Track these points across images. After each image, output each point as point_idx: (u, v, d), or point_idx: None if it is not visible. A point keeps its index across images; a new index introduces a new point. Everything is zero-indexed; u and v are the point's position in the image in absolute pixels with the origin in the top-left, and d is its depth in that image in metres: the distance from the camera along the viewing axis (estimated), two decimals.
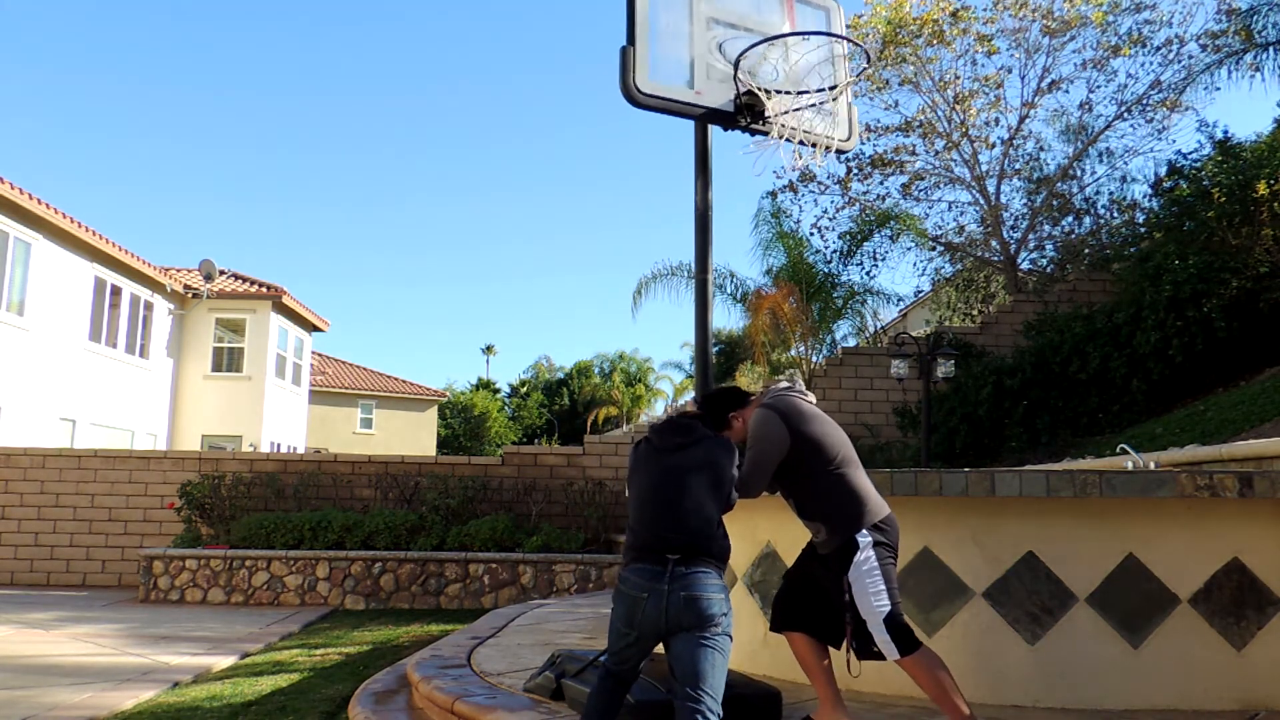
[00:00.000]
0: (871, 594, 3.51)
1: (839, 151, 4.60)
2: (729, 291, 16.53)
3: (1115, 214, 17.36)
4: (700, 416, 3.59)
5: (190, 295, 21.89)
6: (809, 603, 3.77)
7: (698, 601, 3.12)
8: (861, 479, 3.67)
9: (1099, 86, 16.63)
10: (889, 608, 3.49)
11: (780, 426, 3.64)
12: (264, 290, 22.87)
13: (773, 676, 4.57)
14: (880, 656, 3.52)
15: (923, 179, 17.80)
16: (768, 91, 4.17)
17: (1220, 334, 12.05)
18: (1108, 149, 17.26)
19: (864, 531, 3.55)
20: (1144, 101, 16.30)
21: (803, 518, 3.72)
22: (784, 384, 3.87)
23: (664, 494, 3.31)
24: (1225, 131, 14.23)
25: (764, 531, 4.91)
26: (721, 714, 3.12)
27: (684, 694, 3.10)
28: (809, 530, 3.76)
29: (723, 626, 3.18)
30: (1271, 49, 13.33)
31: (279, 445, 23.13)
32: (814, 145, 4.30)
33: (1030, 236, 17.61)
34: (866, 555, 3.53)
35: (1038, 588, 4.18)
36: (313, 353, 29.31)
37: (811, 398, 3.86)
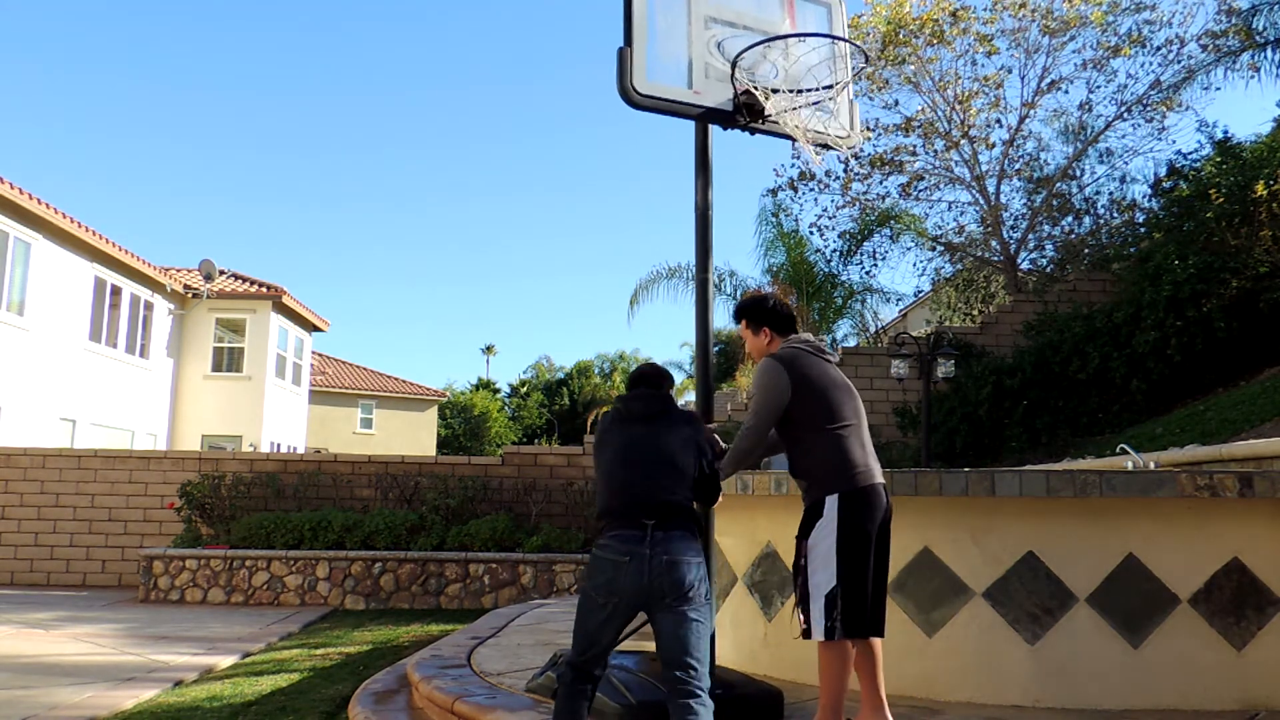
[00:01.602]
0: (821, 566, 3.41)
1: (841, 148, 4.58)
2: (728, 291, 16.54)
3: (1115, 214, 17.36)
4: (663, 388, 3.55)
5: (190, 295, 21.88)
6: None
7: (678, 566, 3.07)
8: (857, 447, 3.55)
9: (1099, 87, 16.64)
10: (832, 585, 3.38)
11: (783, 375, 3.57)
12: (264, 290, 22.86)
13: (773, 676, 4.57)
14: (808, 634, 3.42)
15: (923, 179, 17.80)
16: (767, 90, 4.16)
17: (1220, 334, 12.06)
18: (1108, 149, 17.28)
19: (835, 496, 3.44)
20: (1144, 101, 16.30)
21: (792, 474, 3.69)
22: (805, 336, 3.83)
23: (638, 457, 3.27)
24: (1225, 132, 14.25)
25: (764, 531, 4.91)
26: (709, 684, 3.09)
27: (672, 674, 3.05)
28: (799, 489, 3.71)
29: (702, 594, 3.13)
30: (1270, 48, 13.33)
31: (279, 445, 23.13)
32: (816, 144, 4.29)
33: (1030, 236, 17.62)
34: (829, 522, 3.42)
35: (1038, 588, 4.18)
36: (313, 353, 29.31)
37: (832, 357, 3.78)
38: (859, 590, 3.41)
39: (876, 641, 3.52)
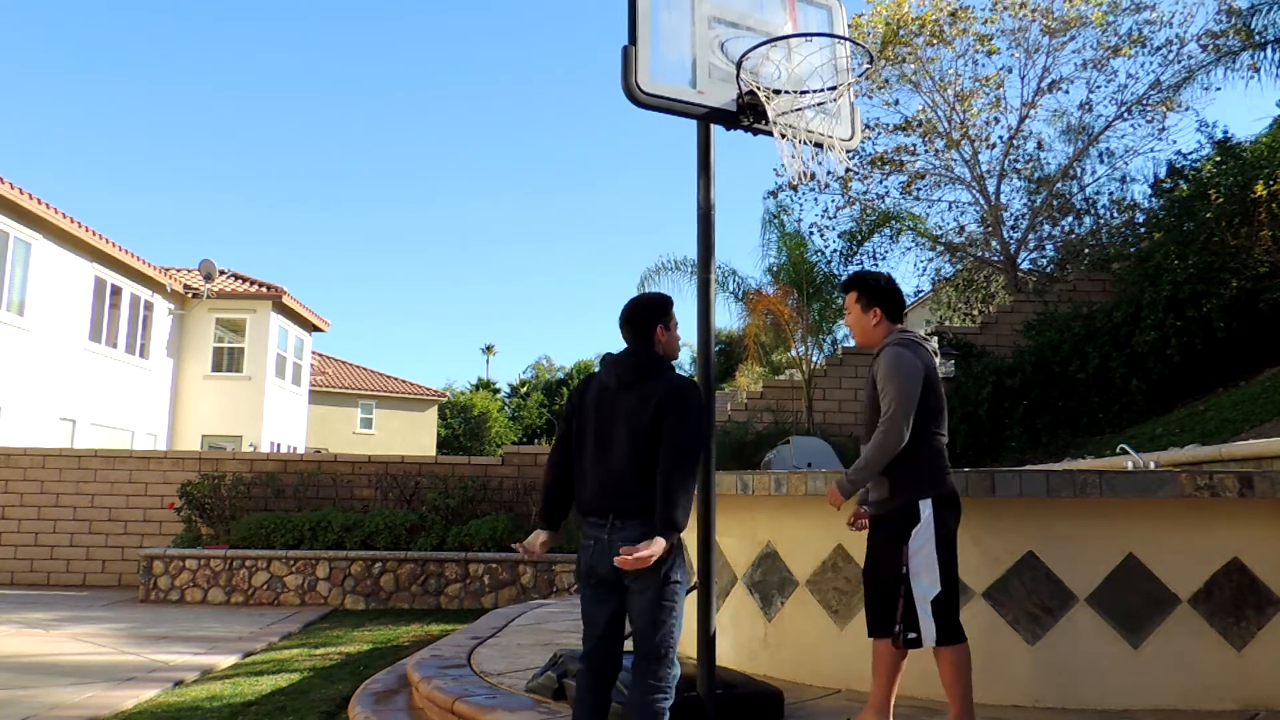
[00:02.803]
0: (925, 571, 3.38)
1: (842, 151, 4.58)
2: (730, 290, 16.51)
3: (1115, 214, 17.37)
4: (650, 337, 3.27)
5: (190, 295, 21.88)
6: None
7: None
8: (944, 451, 3.56)
9: (1099, 87, 16.65)
10: (938, 590, 3.37)
11: (920, 365, 3.51)
12: (264, 290, 22.86)
13: (772, 676, 4.57)
14: (918, 643, 3.38)
15: (923, 178, 17.80)
16: (770, 92, 4.15)
17: (1220, 334, 12.06)
18: (1108, 149, 17.27)
19: (930, 500, 3.42)
20: (1144, 101, 16.30)
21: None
22: (919, 332, 3.84)
23: (603, 441, 3.19)
24: (1225, 132, 14.26)
25: (764, 532, 4.91)
26: (671, 658, 3.13)
27: (636, 662, 3.14)
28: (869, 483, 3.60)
29: (663, 574, 3.08)
30: (1270, 48, 13.32)
31: (279, 445, 23.12)
32: (817, 145, 4.29)
33: (1030, 236, 17.62)
34: (927, 526, 3.39)
35: (1038, 588, 4.18)
36: (313, 353, 29.29)
37: (938, 361, 3.77)
38: (955, 594, 3.43)
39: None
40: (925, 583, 3.37)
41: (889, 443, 3.41)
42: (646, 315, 3.30)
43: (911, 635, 3.38)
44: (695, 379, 3.56)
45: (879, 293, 3.71)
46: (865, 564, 3.72)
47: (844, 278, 3.95)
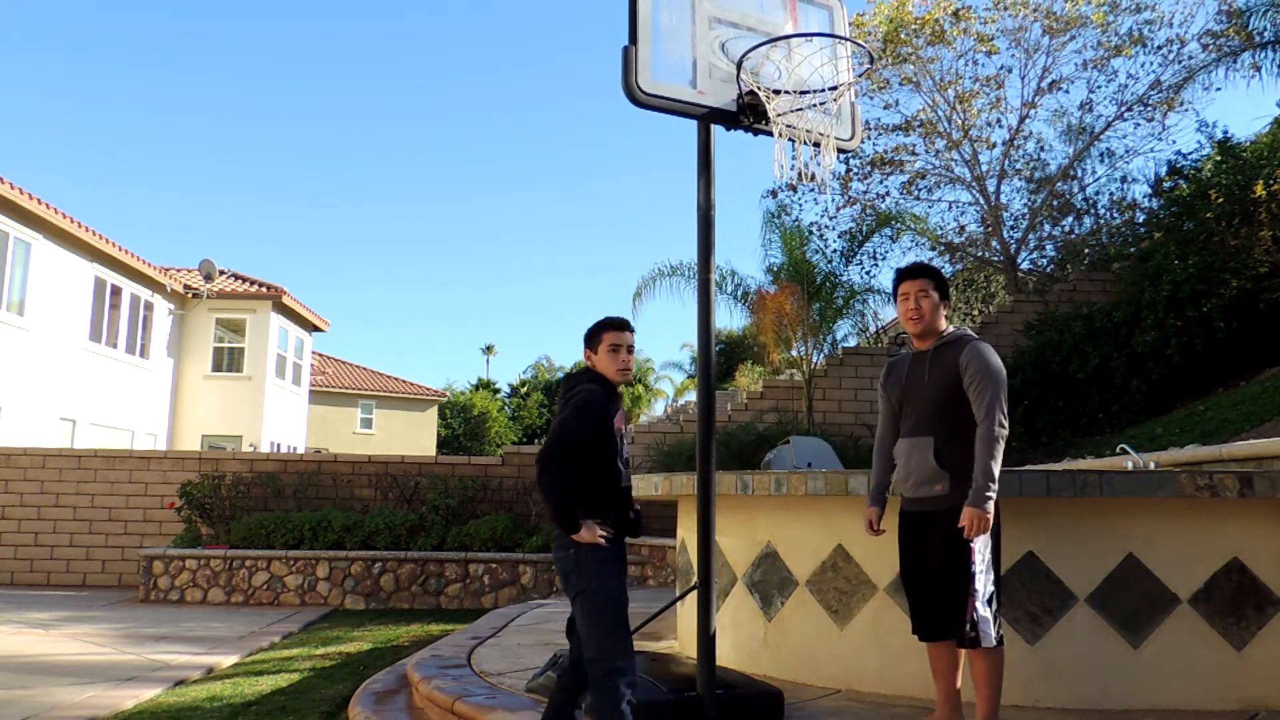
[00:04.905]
0: (985, 570, 3.40)
1: (842, 151, 4.58)
2: (729, 291, 16.49)
3: (1115, 214, 17.35)
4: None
5: (190, 295, 21.88)
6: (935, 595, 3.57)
7: (556, 562, 3.39)
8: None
9: (1099, 87, 16.63)
10: (992, 589, 3.41)
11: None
12: (264, 290, 22.86)
13: (772, 676, 4.57)
14: (975, 643, 3.37)
15: (923, 178, 17.79)
16: (770, 92, 4.15)
17: (1220, 334, 12.05)
18: (1108, 149, 17.25)
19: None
20: (1144, 101, 16.29)
21: (939, 465, 3.51)
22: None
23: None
24: (1225, 132, 14.24)
25: (764, 531, 4.91)
26: (607, 659, 3.21)
27: (585, 659, 3.30)
28: (915, 478, 3.57)
29: (574, 585, 3.29)
30: (1270, 48, 13.32)
31: (279, 445, 23.12)
32: (817, 145, 4.28)
33: (1030, 236, 17.61)
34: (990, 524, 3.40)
35: (1038, 588, 4.18)
36: (313, 353, 29.29)
37: None
38: (999, 593, 3.49)
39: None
40: (983, 582, 3.40)
41: (1000, 434, 3.42)
42: (584, 343, 3.61)
43: (973, 635, 3.38)
44: (695, 380, 3.65)
45: (947, 289, 3.84)
46: (908, 564, 3.67)
47: (911, 266, 3.90)
